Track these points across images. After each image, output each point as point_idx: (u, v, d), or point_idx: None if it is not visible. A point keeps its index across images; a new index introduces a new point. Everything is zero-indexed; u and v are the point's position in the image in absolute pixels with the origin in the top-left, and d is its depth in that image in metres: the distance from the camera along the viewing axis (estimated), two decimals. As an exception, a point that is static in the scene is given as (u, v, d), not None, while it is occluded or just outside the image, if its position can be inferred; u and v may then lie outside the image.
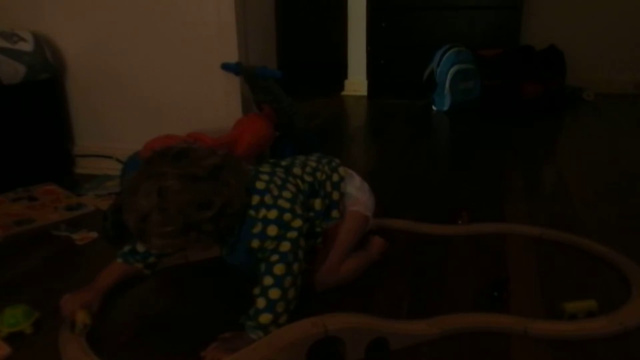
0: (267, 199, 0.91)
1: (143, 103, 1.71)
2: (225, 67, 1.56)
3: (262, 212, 0.90)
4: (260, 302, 0.86)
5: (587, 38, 3.15)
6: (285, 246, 0.89)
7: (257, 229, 0.89)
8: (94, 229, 1.32)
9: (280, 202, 0.92)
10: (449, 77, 2.74)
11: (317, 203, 1.02)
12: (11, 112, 1.60)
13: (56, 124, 1.75)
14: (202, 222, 0.82)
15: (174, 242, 0.84)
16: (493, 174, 1.78)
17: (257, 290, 0.87)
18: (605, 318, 0.92)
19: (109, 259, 1.19)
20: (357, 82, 3.28)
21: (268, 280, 0.87)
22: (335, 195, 1.06)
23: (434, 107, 2.85)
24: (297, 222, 0.91)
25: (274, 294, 0.86)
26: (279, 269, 0.87)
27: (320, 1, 3.20)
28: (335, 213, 1.05)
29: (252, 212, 0.90)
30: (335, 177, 1.06)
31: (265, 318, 0.84)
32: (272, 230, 0.89)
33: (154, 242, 0.84)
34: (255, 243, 0.89)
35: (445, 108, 2.78)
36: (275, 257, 0.88)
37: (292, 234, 0.90)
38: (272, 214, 0.90)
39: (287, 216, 0.91)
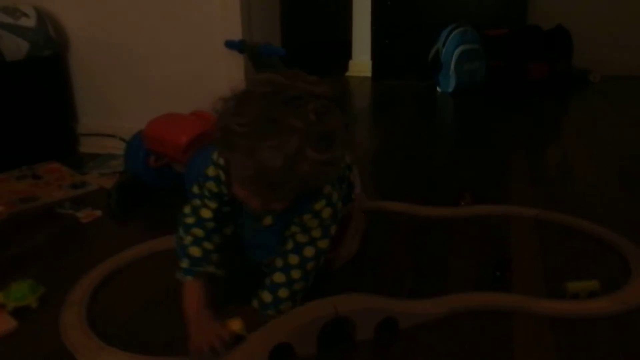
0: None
1: (147, 81, 1.70)
2: (229, 44, 1.55)
3: (328, 189, 0.85)
4: (279, 277, 0.84)
5: (594, 18, 3.10)
6: (319, 232, 0.86)
7: (319, 205, 0.84)
8: (98, 207, 1.33)
9: (338, 187, 0.89)
10: (454, 57, 2.71)
11: (344, 188, 0.99)
12: (14, 89, 1.59)
13: (59, 102, 1.74)
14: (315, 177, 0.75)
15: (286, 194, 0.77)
16: (497, 155, 1.77)
17: (279, 263, 0.85)
18: (608, 297, 0.92)
19: (112, 236, 1.21)
20: (361, 63, 3.25)
21: (293, 259, 0.85)
22: (351, 177, 1.05)
23: (438, 89, 2.83)
24: (339, 211, 0.90)
25: (296, 273, 0.85)
26: (309, 251, 0.86)
27: (324, -21, 3.16)
28: (353, 195, 1.05)
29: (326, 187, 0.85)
30: (346, 158, 1.02)
31: (283, 292, 0.84)
32: (327, 212, 0.86)
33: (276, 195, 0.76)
34: (307, 217, 0.84)
35: (450, 89, 2.75)
36: (306, 239, 0.86)
37: (332, 223, 0.88)
38: (335, 196, 0.86)
39: (339, 203, 0.88)
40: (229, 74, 1.61)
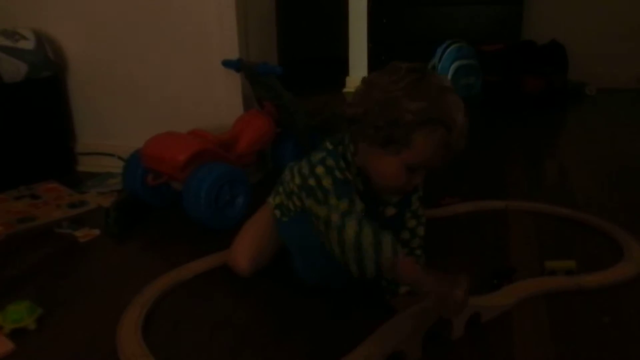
0: None
1: (144, 100, 1.71)
2: (226, 63, 1.56)
3: None
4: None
5: (588, 32, 3.14)
6: (422, 210, 0.99)
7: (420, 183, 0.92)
8: (96, 226, 1.33)
9: None
10: (450, 73, 2.73)
11: None
12: (13, 110, 1.60)
13: (58, 122, 1.75)
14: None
15: None
16: (495, 168, 1.78)
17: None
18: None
19: (111, 255, 1.21)
20: (358, 79, 3.24)
21: (415, 242, 0.96)
22: None
23: (435, 103, 2.85)
24: None
25: (420, 251, 0.98)
26: (421, 230, 0.99)
27: (321, -3, 3.20)
28: None
29: None
30: None
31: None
32: (421, 191, 0.98)
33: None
34: (414, 198, 0.95)
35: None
36: (414, 221, 0.97)
37: None
38: None
39: None
40: (226, 93, 1.62)
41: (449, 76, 2.72)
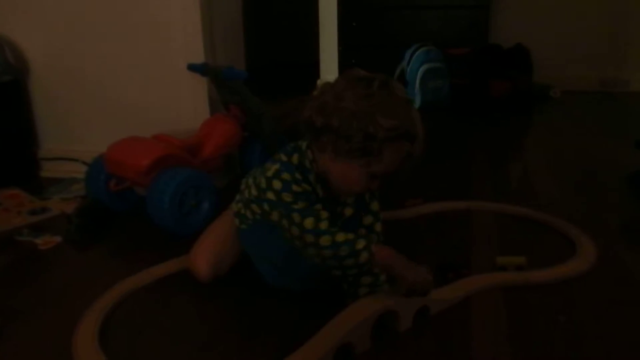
0: None
1: (108, 105, 1.69)
2: (192, 67, 1.56)
3: None
4: (376, 267, 0.90)
5: (553, 36, 3.22)
6: (376, 206, 1.00)
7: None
8: (58, 233, 1.30)
9: None
10: (419, 75, 2.77)
11: None
12: (-28, 115, 1.56)
13: (20, 127, 1.71)
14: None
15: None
16: (461, 170, 1.81)
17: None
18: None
19: (72, 263, 1.19)
20: (329, 82, 3.28)
21: (374, 238, 0.95)
22: None
23: (405, 106, 2.88)
24: None
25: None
26: (378, 226, 0.99)
27: (291, 1, 3.20)
28: None
29: None
30: None
31: (384, 276, 0.93)
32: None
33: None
34: (368, 196, 0.97)
35: (416, 106, 2.80)
36: (370, 217, 0.98)
37: None
38: None
39: None
40: (192, 98, 1.61)
41: (418, 79, 2.76)
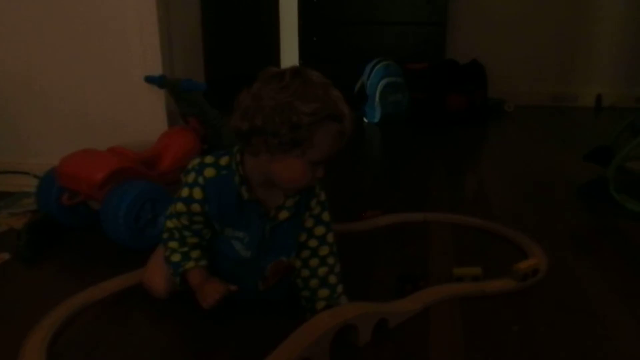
0: None
1: (61, 116, 1.64)
2: (149, 79, 1.53)
3: None
4: (322, 270, 0.93)
5: (506, 53, 3.35)
6: (327, 215, 0.96)
7: (317, 188, 0.94)
8: (6, 249, 1.25)
9: None
10: (378, 89, 2.81)
11: None
12: None
13: (-34, 139, 1.64)
14: None
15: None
16: (419, 182, 1.84)
17: (314, 262, 0.94)
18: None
19: (21, 281, 1.14)
20: (290, 95, 3.30)
21: (324, 250, 0.94)
22: None
23: (365, 119, 2.92)
24: None
25: (332, 259, 0.95)
26: (330, 237, 0.95)
27: (251, 14, 3.21)
28: None
29: None
30: None
31: (332, 279, 0.94)
32: (323, 194, 0.95)
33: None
34: (313, 203, 0.93)
35: (376, 120, 2.85)
36: (324, 228, 0.95)
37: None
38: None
39: None
40: (149, 109, 1.59)
41: (378, 93, 2.81)
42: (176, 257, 0.93)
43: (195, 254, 0.93)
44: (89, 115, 1.63)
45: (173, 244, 0.93)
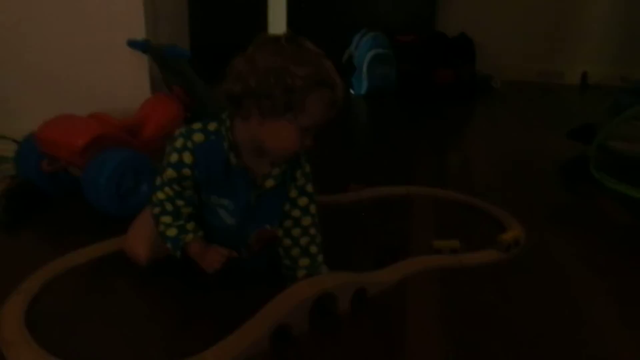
0: None
1: (42, 80, 1.60)
2: (132, 44, 1.50)
3: None
4: (304, 240, 0.94)
5: (495, 27, 3.33)
6: (311, 187, 0.95)
7: (303, 159, 0.93)
8: (-16, 215, 1.23)
9: None
10: (366, 61, 2.79)
11: None
12: None
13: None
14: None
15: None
16: (404, 157, 1.85)
17: (296, 232, 0.94)
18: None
19: (1, 247, 1.13)
20: (277, 64, 3.25)
21: (306, 221, 0.94)
22: None
23: (352, 91, 2.90)
24: None
25: (313, 230, 0.95)
26: (313, 208, 0.95)
27: (239, -20, 3.14)
28: None
29: None
30: None
31: (313, 249, 0.95)
32: (308, 166, 0.94)
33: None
34: (298, 174, 0.93)
35: (363, 92, 2.83)
36: (307, 199, 0.94)
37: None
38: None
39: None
40: (132, 76, 1.56)
41: (365, 64, 2.78)
42: (172, 232, 0.91)
43: (190, 226, 0.91)
44: (70, 80, 1.59)
45: (166, 219, 0.91)
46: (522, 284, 1.04)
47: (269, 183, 0.91)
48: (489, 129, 2.36)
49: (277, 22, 3.14)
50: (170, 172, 0.89)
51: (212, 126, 0.88)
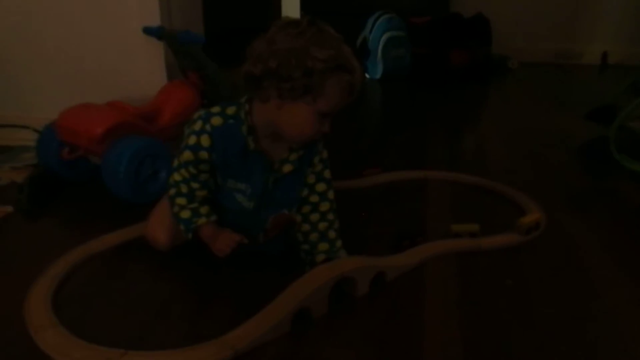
0: None
1: (60, 69, 1.62)
2: (147, 31, 1.50)
3: None
4: (322, 225, 0.95)
5: (512, 7, 3.26)
6: (329, 172, 0.96)
7: (320, 145, 0.94)
8: (8, 202, 1.26)
9: None
10: (381, 44, 2.76)
11: None
12: None
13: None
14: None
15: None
16: (418, 140, 1.84)
17: (314, 217, 0.95)
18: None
19: (24, 233, 1.16)
20: (291, 49, 3.24)
21: (324, 206, 0.95)
22: None
23: (367, 75, 2.88)
24: None
25: (331, 215, 0.96)
26: (331, 194, 0.96)
27: (251, -36, 3.12)
28: None
29: None
30: None
31: (332, 234, 0.96)
32: (325, 152, 0.95)
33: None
34: (316, 160, 0.93)
35: (378, 76, 2.81)
36: (324, 185, 0.95)
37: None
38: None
39: None
40: (148, 63, 1.56)
41: (380, 47, 2.76)
42: (186, 214, 0.92)
43: (204, 209, 0.93)
44: (87, 69, 1.61)
45: (181, 200, 0.92)
46: (539, 267, 1.03)
47: (287, 168, 0.91)
48: (506, 111, 2.33)
49: (291, 6, 3.12)
50: (187, 155, 0.90)
51: (230, 110, 0.89)
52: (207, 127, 0.88)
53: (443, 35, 2.88)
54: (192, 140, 0.89)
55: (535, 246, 1.10)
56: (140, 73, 1.57)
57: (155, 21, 1.51)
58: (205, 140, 0.88)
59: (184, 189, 0.92)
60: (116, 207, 1.25)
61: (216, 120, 0.88)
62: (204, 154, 0.89)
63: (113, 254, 1.05)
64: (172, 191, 0.93)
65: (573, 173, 1.57)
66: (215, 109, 0.89)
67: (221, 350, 0.76)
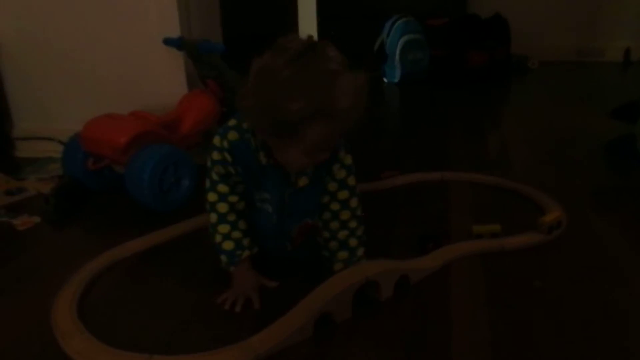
0: None
1: (83, 81, 1.65)
2: (167, 41, 1.53)
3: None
4: (342, 234, 0.93)
5: (530, 6, 3.22)
6: (353, 180, 0.93)
7: (342, 153, 0.91)
8: (36, 213, 1.29)
9: None
10: (398, 47, 2.75)
11: None
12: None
13: (-8, 106, 1.67)
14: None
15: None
16: (438, 143, 1.83)
17: (334, 225, 0.93)
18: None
19: (51, 243, 1.19)
20: (308, 55, 3.25)
21: (345, 215, 0.93)
22: None
23: (385, 79, 2.87)
24: None
25: (353, 223, 0.94)
26: (354, 202, 0.94)
27: (268, -28, 3.14)
28: None
29: None
30: None
31: (353, 242, 0.94)
32: (349, 158, 0.92)
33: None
34: (336, 168, 0.91)
35: (396, 80, 2.80)
36: (347, 193, 0.93)
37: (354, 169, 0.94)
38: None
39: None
40: (169, 72, 1.59)
41: (397, 51, 2.75)
42: (229, 245, 0.92)
43: (247, 241, 0.93)
44: (109, 80, 1.64)
45: (224, 228, 0.92)
46: (565, 267, 1.02)
47: (303, 181, 0.91)
48: (527, 111, 2.30)
49: (308, 11, 3.14)
50: (218, 168, 0.90)
51: (246, 124, 0.87)
52: (225, 143, 0.87)
53: (461, 36, 2.86)
54: (217, 155, 0.89)
55: (560, 246, 1.08)
56: (161, 83, 1.60)
57: (175, 31, 1.53)
58: (227, 156, 0.88)
59: (222, 208, 0.91)
60: (140, 215, 1.27)
61: (232, 135, 0.87)
62: (230, 168, 0.89)
63: (137, 261, 1.07)
64: (213, 218, 0.92)
65: (598, 171, 1.54)
66: (232, 122, 0.89)
67: (244, 354, 0.76)
